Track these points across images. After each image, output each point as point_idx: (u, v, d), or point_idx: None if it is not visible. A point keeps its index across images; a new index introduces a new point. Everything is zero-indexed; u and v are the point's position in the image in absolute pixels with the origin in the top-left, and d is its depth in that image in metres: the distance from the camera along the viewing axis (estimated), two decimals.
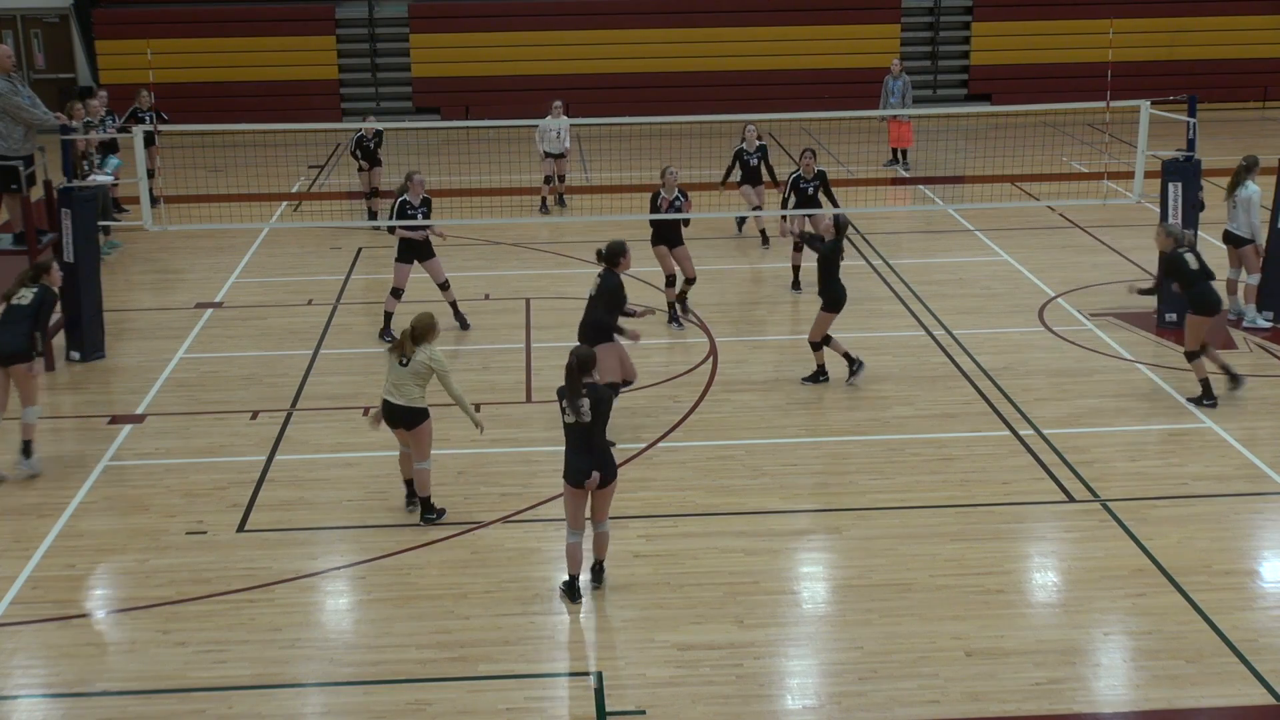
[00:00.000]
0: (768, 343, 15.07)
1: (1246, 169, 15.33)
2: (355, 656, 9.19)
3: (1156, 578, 10.00)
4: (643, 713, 8.45)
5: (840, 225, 13.87)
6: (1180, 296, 13.45)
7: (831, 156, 25.11)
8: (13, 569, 10.35)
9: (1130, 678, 8.82)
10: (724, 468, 12.01)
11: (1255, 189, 15.32)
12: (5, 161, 14.57)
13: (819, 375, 13.97)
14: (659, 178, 16.08)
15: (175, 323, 16.45)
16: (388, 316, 15.51)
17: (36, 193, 15.15)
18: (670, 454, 12.38)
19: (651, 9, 30.96)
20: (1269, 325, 15.41)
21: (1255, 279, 15.43)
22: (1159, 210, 15.60)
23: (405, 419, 10.71)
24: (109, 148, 18.96)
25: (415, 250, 15.40)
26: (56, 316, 15.02)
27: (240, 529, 11.01)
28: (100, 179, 16.54)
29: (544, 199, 21.47)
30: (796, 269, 17.21)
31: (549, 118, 21.16)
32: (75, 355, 14.98)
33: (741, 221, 19.93)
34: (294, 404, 13.74)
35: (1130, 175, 16.49)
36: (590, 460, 9.54)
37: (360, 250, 19.71)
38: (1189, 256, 13.09)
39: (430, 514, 10.99)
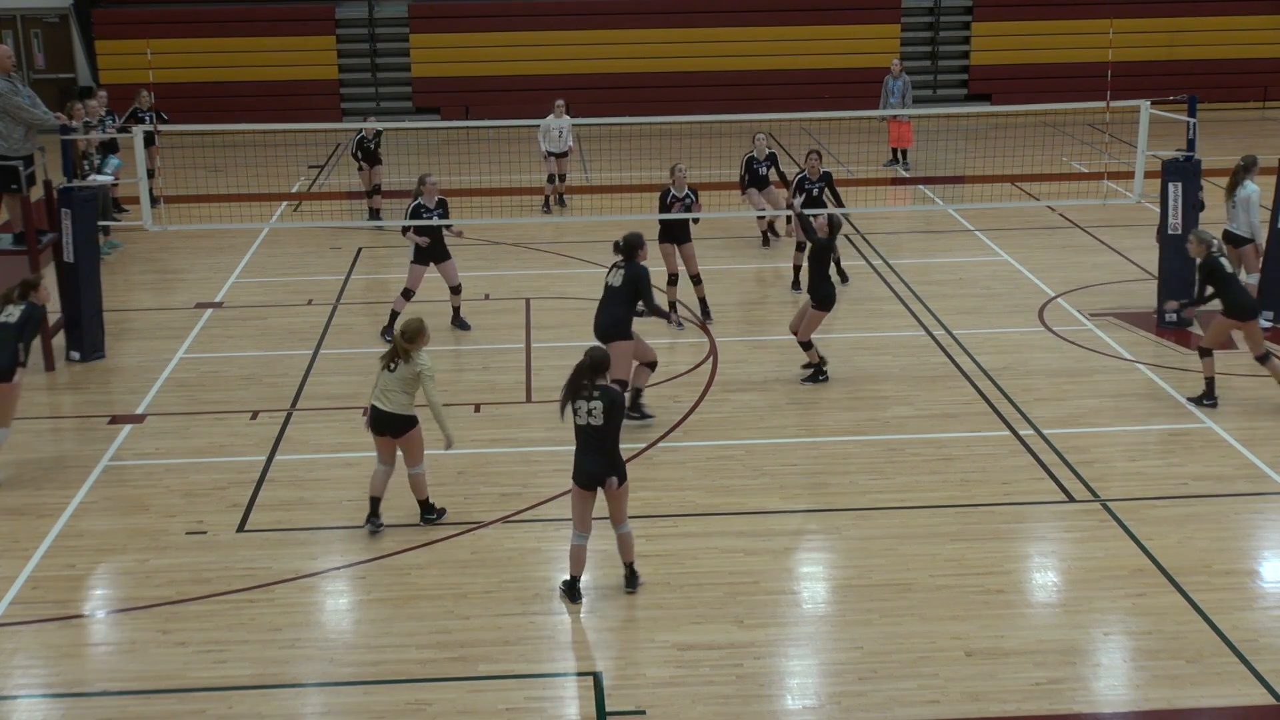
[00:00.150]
0: (768, 343, 15.07)
1: (1245, 169, 15.33)
2: (355, 656, 9.19)
3: (1156, 578, 10.00)
4: (643, 713, 8.45)
5: (834, 225, 13.89)
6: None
7: (832, 156, 25.05)
8: (13, 569, 10.35)
9: (1130, 678, 8.82)
10: (724, 468, 12.01)
11: (1255, 188, 15.33)
12: (5, 161, 14.57)
13: (818, 374, 13.97)
14: (668, 175, 16.08)
15: (175, 323, 16.45)
16: (393, 315, 15.52)
17: (36, 193, 15.15)
18: (670, 454, 12.38)
19: (651, 9, 30.96)
20: (1269, 325, 15.40)
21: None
22: (1159, 210, 15.60)
23: (393, 426, 10.61)
24: (109, 148, 18.96)
25: (430, 252, 15.40)
26: (56, 316, 15.05)
27: (240, 529, 11.01)
28: (100, 179, 16.53)
29: (547, 198, 21.48)
30: (797, 269, 17.19)
31: (551, 117, 21.16)
32: (75, 355, 14.98)
33: (769, 232, 19.66)
34: (294, 404, 13.74)
35: (1130, 175, 16.49)
36: (602, 463, 9.52)
37: (360, 250, 19.72)
38: (1224, 260, 13.10)
39: (430, 514, 10.98)
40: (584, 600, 9.78)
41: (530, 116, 22.78)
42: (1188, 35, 31.31)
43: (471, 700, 8.60)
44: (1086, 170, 23.82)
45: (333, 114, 30.32)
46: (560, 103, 21.42)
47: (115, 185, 19.28)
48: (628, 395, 12.53)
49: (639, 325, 12.87)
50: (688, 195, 15.82)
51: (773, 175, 18.95)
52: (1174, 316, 14.89)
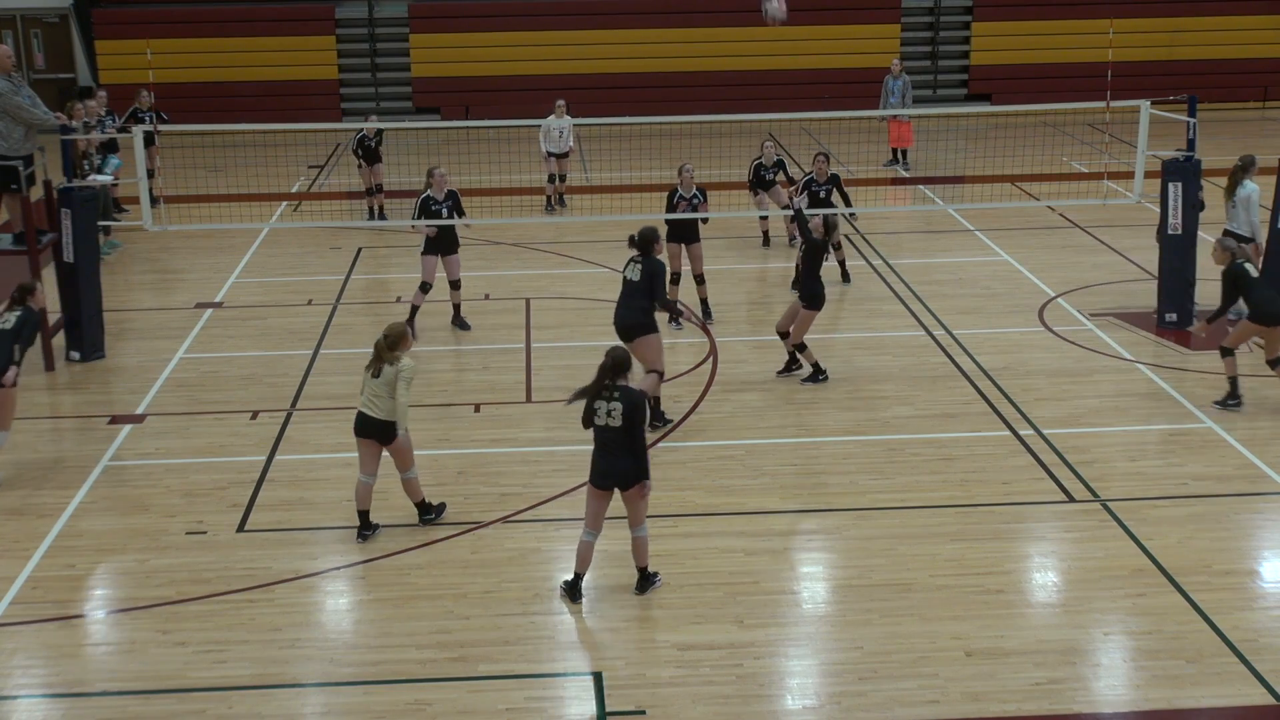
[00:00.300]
0: (768, 343, 15.06)
1: (1243, 169, 15.33)
2: (355, 656, 9.19)
3: (1156, 578, 10.00)
4: (643, 713, 8.45)
5: (829, 225, 13.88)
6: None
7: (832, 156, 25.05)
8: (13, 569, 10.35)
9: (1130, 678, 8.82)
10: (724, 468, 12.01)
11: (1254, 187, 15.32)
12: (5, 161, 14.57)
13: (817, 374, 13.97)
14: (675, 175, 16.10)
15: (175, 323, 16.45)
16: (413, 310, 15.58)
17: (36, 193, 15.14)
18: (670, 454, 12.38)
19: (651, 9, 30.96)
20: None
21: None
22: (1159, 210, 15.60)
23: (381, 432, 10.52)
24: (109, 148, 18.96)
25: (439, 244, 15.42)
26: (56, 316, 15.05)
27: (240, 529, 11.01)
28: (100, 179, 16.52)
29: (549, 199, 21.48)
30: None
31: (552, 117, 21.16)
32: (75, 355, 14.98)
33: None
34: (294, 404, 13.74)
35: (1130, 175, 16.49)
36: (618, 464, 9.52)
37: (360, 250, 19.72)
38: (1249, 266, 13.09)
39: (429, 514, 10.96)
40: (584, 600, 9.79)
41: (530, 116, 22.79)
42: (1188, 35, 31.32)
43: (471, 700, 8.60)
44: (1086, 170, 23.82)
45: (333, 114, 30.33)
46: (561, 103, 21.42)
47: (115, 185, 19.28)
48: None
49: None
50: (695, 195, 15.83)
51: (780, 178, 18.92)
52: (1204, 335, 14.79)
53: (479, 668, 8.97)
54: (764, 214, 19.08)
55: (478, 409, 13.51)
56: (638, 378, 11.63)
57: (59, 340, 15.06)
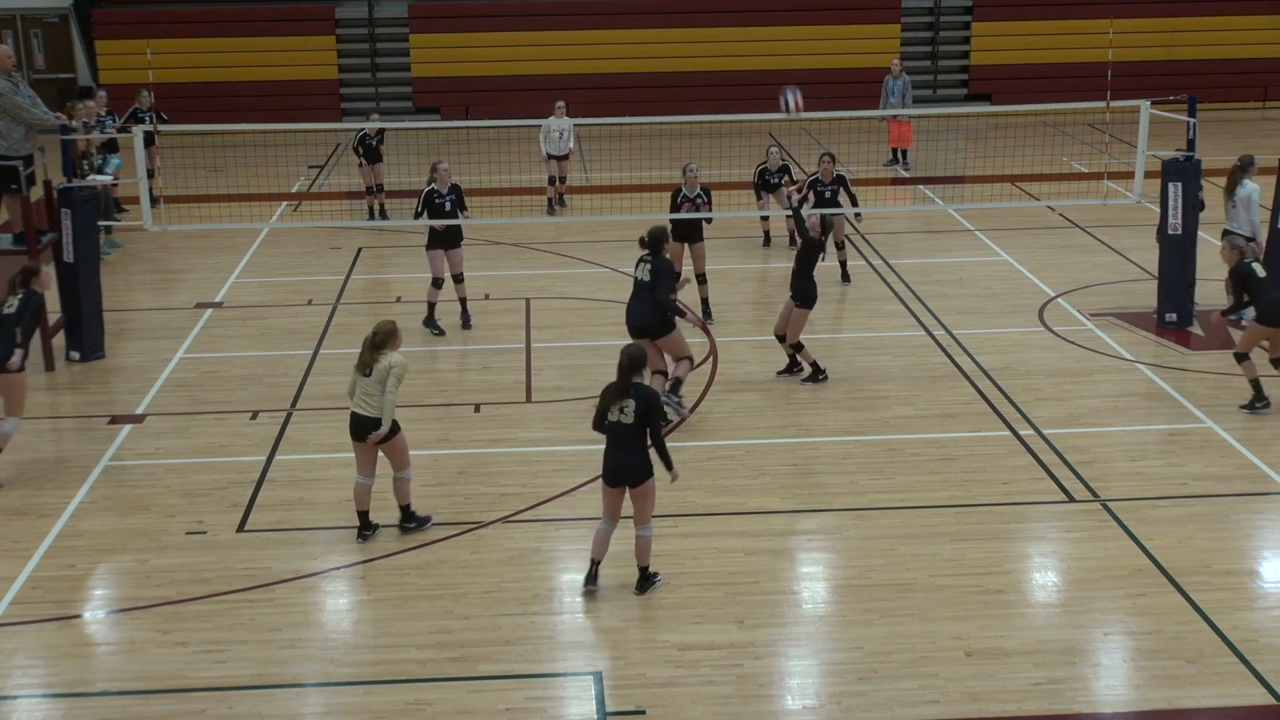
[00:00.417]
0: (768, 343, 15.05)
1: (1242, 168, 15.33)
2: (355, 656, 9.19)
3: (1156, 578, 10.00)
4: (643, 713, 8.45)
5: (826, 225, 13.86)
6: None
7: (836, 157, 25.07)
8: (13, 569, 10.35)
9: (1130, 678, 8.82)
10: (724, 468, 12.01)
11: (1254, 187, 15.32)
12: (5, 161, 14.56)
13: (817, 374, 13.97)
14: (679, 175, 16.11)
15: (175, 323, 16.45)
16: (431, 307, 15.62)
17: (36, 193, 15.14)
18: (670, 454, 12.35)
19: (651, 9, 30.96)
20: None
21: None
22: (1159, 210, 15.61)
23: (374, 431, 10.44)
24: (109, 148, 18.96)
25: (443, 238, 15.44)
26: (56, 316, 15.04)
27: (240, 529, 11.01)
28: (100, 179, 16.52)
29: (550, 200, 21.46)
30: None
31: (552, 118, 21.14)
32: (75, 355, 14.97)
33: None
34: (294, 404, 13.74)
35: (1130, 175, 16.49)
36: (626, 461, 9.58)
37: (360, 250, 19.72)
38: (1256, 266, 13.08)
39: (410, 523, 10.77)
40: (584, 600, 9.79)
41: (530, 116, 22.78)
42: (1188, 35, 31.31)
43: (471, 700, 8.60)
44: (1086, 170, 23.82)
45: (333, 114, 30.33)
46: (561, 104, 21.41)
47: (115, 185, 19.28)
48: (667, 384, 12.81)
49: None
50: (699, 195, 15.85)
51: (785, 181, 18.89)
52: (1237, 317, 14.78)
53: (479, 668, 8.97)
54: (765, 214, 19.08)
55: (478, 409, 13.51)
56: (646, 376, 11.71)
57: (59, 340, 15.06)
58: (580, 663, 9.05)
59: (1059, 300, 16.70)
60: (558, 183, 21.47)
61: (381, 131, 20.97)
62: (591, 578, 9.86)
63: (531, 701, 8.60)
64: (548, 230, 20.65)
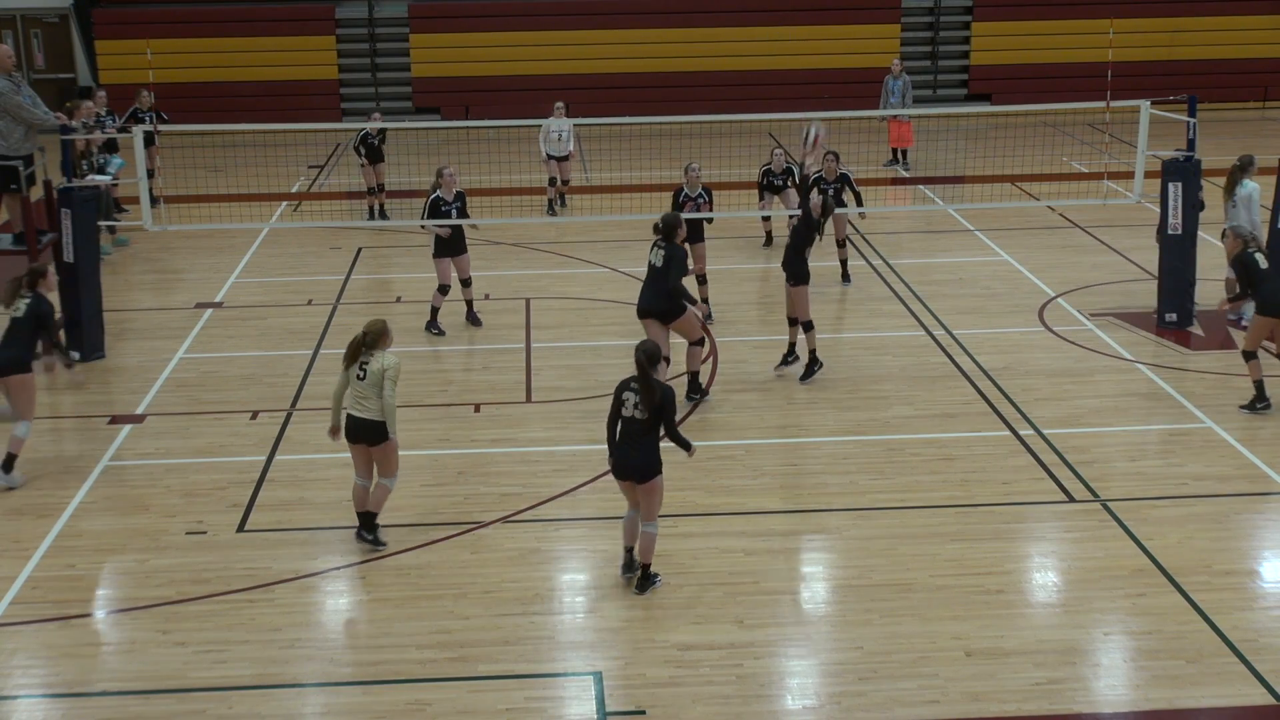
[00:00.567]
0: (769, 342, 15.06)
1: (1242, 168, 15.33)
2: (355, 656, 9.19)
3: (1156, 578, 10.00)
4: (643, 713, 8.45)
5: (827, 208, 13.79)
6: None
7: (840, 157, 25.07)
8: (13, 569, 10.35)
9: (1130, 678, 8.82)
10: (724, 468, 12.01)
11: (1254, 186, 15.32)
12: (5, 161, 14.57)
13: (813, 365, 13.93)
14: (680, 175, 16.15)
15: (175, 323, 16.45)
16: (434, 311, 15.68)
17: (36, 193, 15.14)
18: (670, 454, 12.30)
19: (651, 9, 30.96)
20: None
21: None
22: (1159, 210, 15.61)
23: (370, 434, 10.35)
24: (109, 148, 18.95)
25: (450, 245, 15.45)
26: (57, 316, 15.05)
27: (240, 529, 11.01)
28: (99, 179, 16.51)
29: (550, 201, 21.44)
30: (843, 263, 17.42)
31: (552, 119, 21.12)
32: (75, 355, 14.94)
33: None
34: (294, 404, 13.74)
35: (1130, 175, 16.49)
36: (635, 456, 9.66)
37: (360, 250, 19.72)
38: (1259, 256, 13.07)
39: (369, 535, 10.55)
40: (584, 600, 9.81)
41: (530, 116, 22.78)
42: (1188, 35, 31.31)
43: (471, 700, 8.60)
44: (1086, 170, 23.82)
45: (333, 114, 30.32)
46: (560, 105, 21.39)
47: (115, 185, 19.28)
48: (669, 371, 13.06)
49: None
50: (700, 194, 15.86)
51: (791, 183, 18.89)
52: (1236, 317, 14.77)
53: (479, 668, 8.97)
54: (767, 214, 19.09)
55: (478, 409, 13.51)
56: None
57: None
58: (580, 663, 9.05)
59: (1059, 300, 16.70)
60: (559, 183, 21.46)
61: (383, 131, 20.97)
62: (628, 565, 9.99)
63: (531, 701, 8.60)
64: (548, 230, 20.65)
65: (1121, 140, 24.16)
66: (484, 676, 8.87)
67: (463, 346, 15.49)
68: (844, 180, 17.22)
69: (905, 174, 24.88)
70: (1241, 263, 13.01)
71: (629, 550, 9.99)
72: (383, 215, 20.95)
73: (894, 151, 25.37)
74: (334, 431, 10.59)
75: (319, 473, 12.04)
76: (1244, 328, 15.34)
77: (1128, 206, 18.89)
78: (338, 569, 10.35)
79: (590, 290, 17.42)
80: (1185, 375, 14.03)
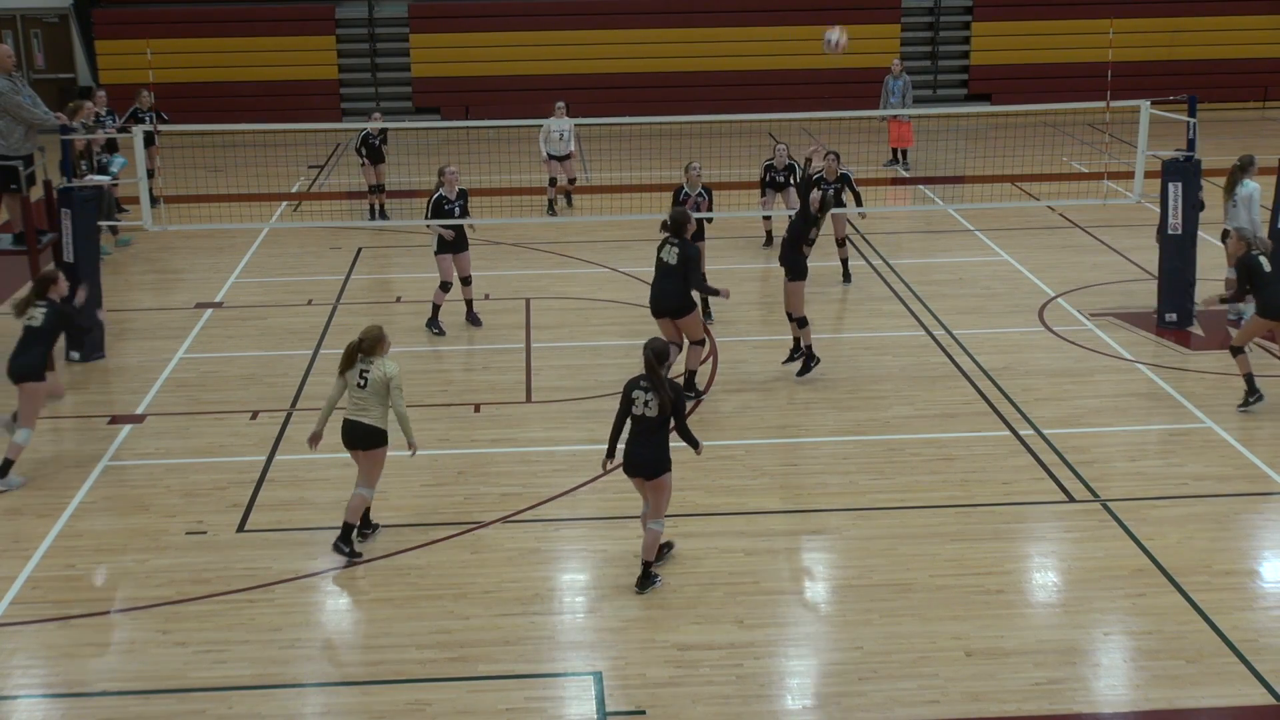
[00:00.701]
0: (769, 342, 15.06)
1: (1242, 168, 15.33)
2: (355, 656, 9.19)
3: (1156, 578, 10.00)
4: (643, 713, 8.45)
5: (825, 204, 13.78)
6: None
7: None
8: (13, 569, 10.35)
9: (1130, 678, 8.82)
10: (724, 468, 12.01)
11: (1255, 186, 15.32)
12: (5, 161, 14.57)
13: (809, 360, 13.91)
14: (681, 175, 16.15)
15: (175, 323, 16.45)
16: (435, 309, 15.69)
17: (37, 193, 15.14)
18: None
19: (651, 9, 30.97)
20: None
21: None
22: (1159, 210, 15.61)
23: (366, 440, 10.31)
24: (109, 148, 18.94)
25: (452, 243, 15.48)
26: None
27: (240, 529, 11.01)
28: (98, 179, 16.50)
29: (551, 201, 21.43)
30: (845, 261, 17.44)
31: (552, 119, 21.10)
32: (75, 355, 14.96)
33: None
34: (294, 404, 13.74)
35: (1130, 175, 16.50)
36: (646, 454, 9.74)
37: (360, 250, 19.72)
38: (1263, 259, 13.08)
39: (346, 546, 10.45)
40: (584, 600, 9.81)
41: (530, 116, 22.78)
42: (1188, 35, 31.33)
43: (471, 700, 8.60)
44: (1086, 170, 23.82)
45: (333, 114, 30.34)
46: (561, 105, 21.37)
47: (115, 185, 19.26)
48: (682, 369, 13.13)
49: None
50: (701, 194, 15.86)
51: (794, 181, 18.89)
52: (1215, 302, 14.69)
53: (479, 668, 8.97)
54: (768, 214, 19.09)
55: (478, 409, 13.51)
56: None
57: (59, 340, 15.01)
58: (580, 663, 9.05)
59: (1059, 300, 16.70)
60: (566, 183, 21.41)
61: (384, 131, 20.97)
62: (665, 549, 10.19)
63: (531, 701, 8.60)
64: (548, 230, 20.65)
65: (1121, 140, 24.16)
66: (484, 676, 8.87)
67: (463, 346, 15.49)
68: (844, 180, 17.22)
69: (905, 174, 24.89)
70: (1245, 266, 13.02)
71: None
72: (383, 215, 20.94)
73: (894, 151, 25.37)
74: (314, 439, 10.56)
75: (319, 473, 12.04)
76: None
77: (1128, 206, 18.89)
78: (338, 569, 10.34)
79: (590, 290, 17.42)
80: (1185, 375, 14.03)
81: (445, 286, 15.58)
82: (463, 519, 11.07)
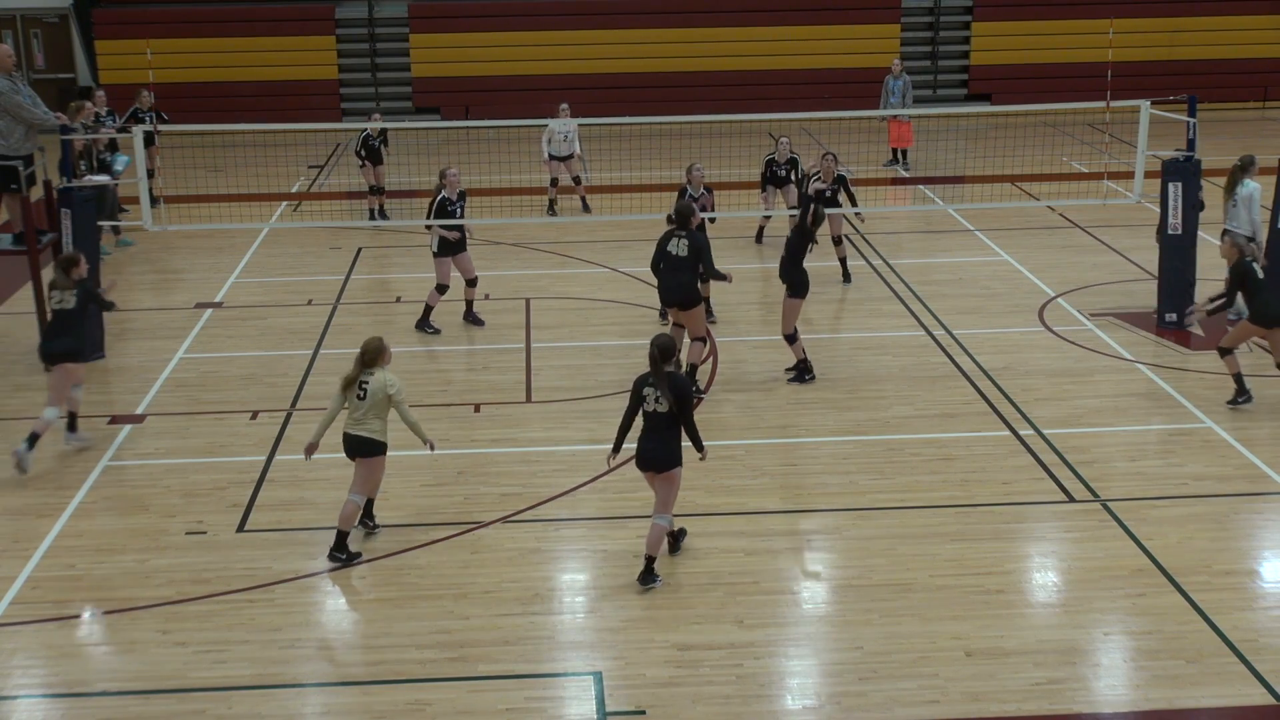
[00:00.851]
0: (769, 343, 15.06)
1: (1242, 168, 15.32)
2: (355, 656, 9.19)
3: (1156, 578, 10.00)
4: (643, 713, 8.45)
5: (818, 216, 13.83)
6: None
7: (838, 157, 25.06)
8: (13, 569, 10.35)
9: (1130, 678, 8.82)
10: (724, 468, 12.00)
11: (1255, 186, 15.32)
12: (5, 161, 14.56)
13: (804, 373, 13.94)
14: (684, 175, 16.19)
15: (175, 323, 16.45)
16: (427, 309, 15.70)
17: (37, 193, 15.13)
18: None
19: (651, 9, 30.97)
20: None
21: None
22: (1159, 210, 15.61)
23: (364, 450, 10.31)
24: (111, 147, 18.93)
25: (452, 246, 15.49)
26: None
27: (240, 529, 11.01)
28: (98, 179, 16.50)
29: (551, 201, 21.41)
30: (842, 260, 17.44)
31: (556, 120, 21.07)
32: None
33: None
34: (294, 404, 13.74)
35: (1130, 175, 16.49)
36: (657, 449, 9.79)
37: (360, 250, 19.72)
38: (1256, 266, 13.09)
39: (340, 552, 10.40)
40: (584, 600, 9.81)
41: (530, 117, 22.79)
42: (1188, 35, 31.33)
43: (471, 700, 8.60)
44: (1086, 170, 23.82)
45: (333, 114, 30.34)
46: (564, 106, 21.35)
47: (116, 185, 19.25)
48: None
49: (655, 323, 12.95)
50: (703, 194, 15.88)
51: (794, 176, 18.90)
52: (1193, 322, 14.69)
53: (479, 668, 8.97)
54: (768, 214, 19.09)
55: (478, 409, 13.51)
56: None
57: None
58: (580, 663, 9.05)
59: (1059, 300, 16.70)
60: (572, 183, 21.39)
61: (384, 131, 20.96)
62: (672, 549, 10.29)
63: (531, 701, 8.60)
64: (548, 230, 20.64)
65: (1121, 140, 24.16)
66: (484, 676, 8.87)
67: (463, 346, 15.49)
68: (840, 181, 17.23)
69: (905, 174, 24.88)
70: (1239, 272, 13.04)
71: (680, 532, 10.38)
72: (383, 215, 20.94)
73: (894, 151, 25.37)
74: (309, 450, 10.57)
75: (319, 473, 12.03)
76: None
77: (1128, 206, 18.89)
78: (337, 569, 10.34)
79: (590, 290, 17.42)
80: (1185, 375, 14.03)
81: (442, 289, 15.58)
82: (463, 519, 11.07)
